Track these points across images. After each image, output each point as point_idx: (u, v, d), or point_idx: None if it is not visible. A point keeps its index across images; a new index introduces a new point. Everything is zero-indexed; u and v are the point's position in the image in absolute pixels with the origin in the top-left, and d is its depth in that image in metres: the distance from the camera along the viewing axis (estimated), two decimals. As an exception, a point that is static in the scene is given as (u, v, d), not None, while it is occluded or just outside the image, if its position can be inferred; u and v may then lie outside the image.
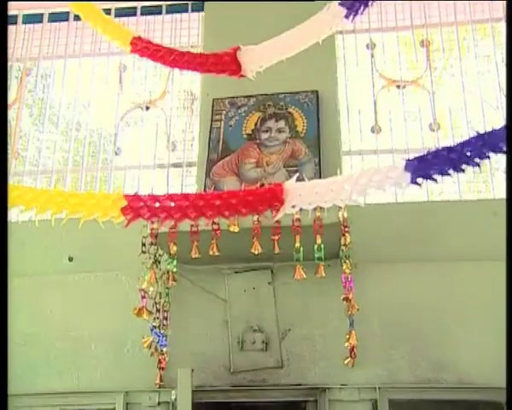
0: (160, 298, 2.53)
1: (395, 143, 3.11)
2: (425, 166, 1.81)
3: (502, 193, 2.68)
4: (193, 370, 2.20)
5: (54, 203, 1.81)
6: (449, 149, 1.83)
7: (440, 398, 2.40)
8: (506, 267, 1.58)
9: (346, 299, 2.23)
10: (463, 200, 2.89)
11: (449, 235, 2.66)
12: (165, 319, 2.55)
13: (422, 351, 2.48)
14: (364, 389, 2.44)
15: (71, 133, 3.55)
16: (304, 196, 1.88)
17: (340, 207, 2.25)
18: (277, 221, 2.18)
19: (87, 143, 3.50)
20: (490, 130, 1.81)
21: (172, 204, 1.83)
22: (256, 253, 2.17)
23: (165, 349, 2.50)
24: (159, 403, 2.52)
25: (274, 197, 1.88)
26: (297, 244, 2.16)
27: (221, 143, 2.88)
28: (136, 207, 1.83)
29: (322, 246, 2.17)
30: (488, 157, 1.74)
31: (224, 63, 1.81)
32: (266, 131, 2.89)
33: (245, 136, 2.91)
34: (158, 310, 2.50)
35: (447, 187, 3.08)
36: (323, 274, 2.15)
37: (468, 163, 1.75)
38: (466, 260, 2.59)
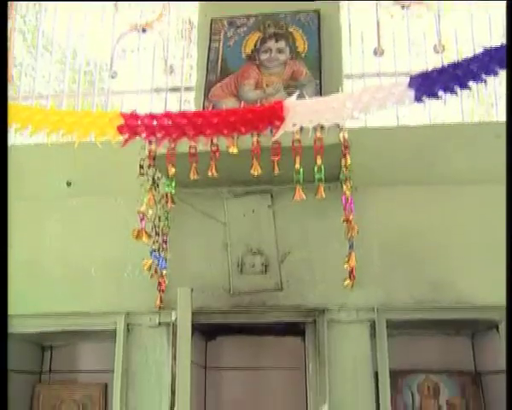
0: (159, 221, 2.52)
1: (398, 66, 3.04)
2: (429, 83, 1.76)
3: (504, 116, 2.63)
4: (192, 289, 2.22)
5: (49, 122, 1.78)
6: (454, 66, 1.78)
7: (438, 318, 2.43)
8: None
9: (346, 220, 2.21)
10: (466, 123, 2.85)
11: (450, 158, 2.64)
12: (165, 242, 2.55)
13: (421, 273, 2.50)
14: (363, 310, 2.47)
15: (66, 61, 3.46)
16: (304, 113, 1.85)
17: (341, 128, 2.21)
18: (277, 142, 2.15)
19: (83, 72, 3.43)
20: (497, 45, 1.75)
21: (170, 122, 1.80)
22: (255, 174, 2.14)
23: (164, 272, 2.51)
24: (159, 324, 2.56)
25: (274, 115, 1.85)
26: (297, 165, 2.13)
27: (220, 63, 2.80)
28: (133, 125, 1.79)
29: (323, 167, 2.14)
30: (496, 73, 1.70)
31: None
32: (266, 52, 2.81)
33: (244, 56, 2.83)
34: (157, 233, 2.50)
35: (449, 112, 3.04)
36: (323, 195, 2.12)
37: (474, 79, 1.71)
38: (467, 183, 2.57)
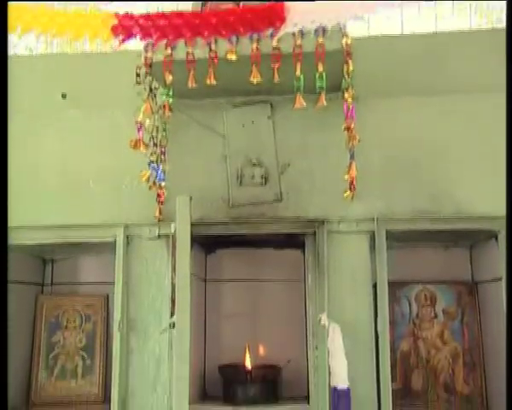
0: (157, 132, 2.48)
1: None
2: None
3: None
4: (191, 197, 2.20)
5: (39, 22, 1.70)
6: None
7: (437, 228, 2.43)
8: None
9: (348, 129, 2.17)
10: (472, 30, 2.76)
11: (455, 67, 2.56)
12: (163, 153, 2.52)
13: (421, 183, 2.48)
14: (362, 221, 2.46)
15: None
16: (306, 13, 1.78)
17: (344, 34, 2.14)
18: (277, 48, 2.09)
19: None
20: None
21: (166, 23, 1.73)
22: (255, 82, 2.09)
23: (163, 183, 2.50)
24: (159, 236, 2.56)
25: (275, 15, 1.77)
26: (297, 72, 2.08)
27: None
28: (128, 25, 1.73)
29: (324, 75, 2.09)
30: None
31: None
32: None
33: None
34: (155, 144, 2.46)
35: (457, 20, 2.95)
36: (324, 103, 2.08)
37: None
38: (469, 92, 2.51)
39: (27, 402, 2.83)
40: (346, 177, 2.26)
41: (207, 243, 2.87)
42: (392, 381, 2.38)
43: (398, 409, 2.39)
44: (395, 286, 2.70)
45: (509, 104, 1.99)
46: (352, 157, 2.24)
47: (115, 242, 2.57)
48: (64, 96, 2.79)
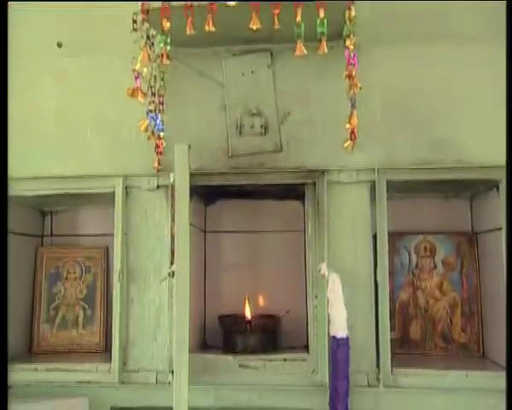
0: (155, 81, 2.45)
1: None
2: None
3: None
4: (190, 146, 2.17)
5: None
6: None
7: (438, 178, 2.41)
8: None
9: (349, 76, 2.13)
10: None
11: (458, 14, 2.50)
12: (161, 103, 2.48)
13: (423, 133, 2.45)
14: (363, 171, 2.44)
15: None
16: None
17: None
18: (277, -7, 2.04)
19: None
20: None
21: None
22: (255, 28, 2.05)
23: (162, 134, 2.47)
24: (158, 187, 2.54)
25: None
26: (298, 19, 2.03)
27: None
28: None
29: (326, 21, 2.04)
30: None
31: None
32: None
33: None
34: (153, 94, 2.43)
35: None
36: (325, 50, 2.04)
37: None
38: (474, 39, 2.46)
39: (29, 352, 2.85)
40: (347, 126, 2.23)
41: (207, 194, 2.86)
42: (391, 330, 2.40)
43: (396, 358, 2.41)
44: (395, 237, 2.71)
45: (509, 104, 1.97)
46: (353, 106, 2.21)
47: (114, 193, 2.55)
48: (60, 45, 2.73)
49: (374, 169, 2.42)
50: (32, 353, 2.85)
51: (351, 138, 2.26)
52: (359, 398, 2.32)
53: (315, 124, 2.51)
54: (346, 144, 2.28)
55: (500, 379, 2.18)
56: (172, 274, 2.10)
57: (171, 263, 2.24)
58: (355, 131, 2.24)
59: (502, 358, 2.39)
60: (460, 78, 2.47)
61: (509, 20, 2.14)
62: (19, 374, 2.52)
